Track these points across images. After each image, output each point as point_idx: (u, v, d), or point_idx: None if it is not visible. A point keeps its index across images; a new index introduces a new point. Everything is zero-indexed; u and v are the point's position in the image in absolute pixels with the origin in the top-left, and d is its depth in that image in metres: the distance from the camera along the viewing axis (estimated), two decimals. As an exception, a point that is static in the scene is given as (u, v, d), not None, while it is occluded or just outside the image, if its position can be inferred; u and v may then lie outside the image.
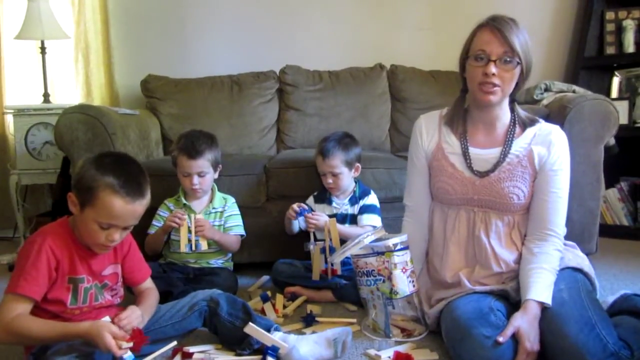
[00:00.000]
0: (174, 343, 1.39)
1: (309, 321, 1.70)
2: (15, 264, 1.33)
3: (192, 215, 1.95)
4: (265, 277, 2.20)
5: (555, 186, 1.50)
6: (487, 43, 1.44)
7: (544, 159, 1.51)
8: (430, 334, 1.58)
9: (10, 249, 2.84)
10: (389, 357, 1.43)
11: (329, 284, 1.92)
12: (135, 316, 1.30)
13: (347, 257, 1.72)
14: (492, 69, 1.43)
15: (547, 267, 1.43)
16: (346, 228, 2.02)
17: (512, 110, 1.58)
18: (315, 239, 1.97)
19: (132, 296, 1.54)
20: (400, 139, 2.91)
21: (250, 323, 1.40)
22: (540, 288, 1.38)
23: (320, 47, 3.23)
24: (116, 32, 3.15)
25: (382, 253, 1.55)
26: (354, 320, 1.72)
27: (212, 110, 2.88)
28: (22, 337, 1.25)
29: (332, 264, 1.91)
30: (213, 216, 2.05)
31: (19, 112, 2.78)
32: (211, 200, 2.07)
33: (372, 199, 2.09)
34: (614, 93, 3.07)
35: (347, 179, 2.06)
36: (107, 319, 1.26)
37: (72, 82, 3.12)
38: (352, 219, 2.07)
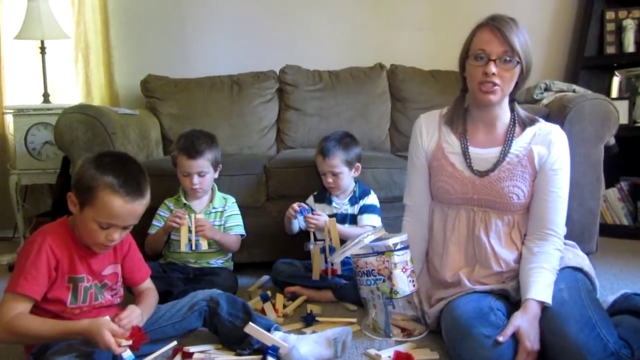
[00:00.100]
0: (174, 343, 1.39)
1: (309, 321, 1.70)
2: (15, 263, 1.33)
3: (193, 215, 1.95)
4: (265, 277, 2.20)
5: (555, 186, 1.50)
6: (487, 42, 1.44)
7: (544, 158, 1.51)
8: (431, 334, 1.58)
9: (10, 249, 2.84)
10: (389, 356, 1.43)
11: (329, 284, 1.92)
12: (135, 315, 1.31)
13: (347, 257, 1.72)
14: (492, 68, 1.43)
15: (547, 266, 1.43)
16: (346, 228, 2.02)
17: (512, 109, 1.58)
18: (315, 239, 1.97)
19: (132, 296, 1.54)
20: (400, 139, 2.91)
21: (251, 323, 1.40)
22: (541, 287, 1.38)
23: (320, 47, 3.23)
24: (116, 32, 3.16)
25: (382, 253, 1.55)
26: (354, 320, 1.72)
27: (212, 110, 2.88)
28: (21, 336, 1.25)
29: (332, 264, 1.91)
30: (213, 216, 2.05)
31: (19, 112, 2.78)
32: (211, 200, 2.07)
33: (372, 199, 2.09)
34: (614, 93, 3.07)
35: (347, 178, 2.06)
36: (107, 318, 1.26)
37: (72, 82, 3.12)
38: (352, 219, 2.07)
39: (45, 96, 2.89)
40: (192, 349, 1.49)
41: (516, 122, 1.57)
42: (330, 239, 1.90)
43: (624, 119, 2.81)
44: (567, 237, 1.56)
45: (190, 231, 1.92)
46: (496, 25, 1.44)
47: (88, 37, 3.07)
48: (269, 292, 1.83)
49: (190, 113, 2.87)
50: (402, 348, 1.48)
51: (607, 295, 1.65)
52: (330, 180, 2.04)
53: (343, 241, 1.83)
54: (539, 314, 1.35)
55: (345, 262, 1.92)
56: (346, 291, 1.87)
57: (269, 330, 1.45)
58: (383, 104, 2.95)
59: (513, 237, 1.53)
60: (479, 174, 1.55)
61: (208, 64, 3.18)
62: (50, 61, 2.96)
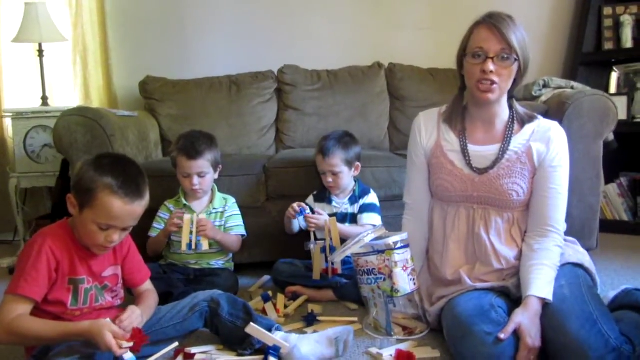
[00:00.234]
0: (176, 344, 1.39)
1: (310, 320, 1.70)
2: (16, 265, 1.33)
3: (194, 215, 1.96)
4: (266, 277, 2.20)
5: (554, 182, 1.50)
6: (484, 40, 1.44)
7: (543, 155, 1.51)
8: (432, 332, 1.58)
9: (10, 253, 2.84)
10: (391, 355, 1.43)
11: (330, 283, 1.92)
12: (136, 316, 1.31)
13: (347, 256, 1.72)
14: (490, 66, 1.43)
15: (548, 263, 1.43)
16: (346, 227, 2.02)
17: (511, 107, 1.58)
18: (316, 239, 1.97)
19: (132, 297, 1.54)
20: (399, 138, 2.91)
21: (252, 323, 1.40)
22: (541, 284, 1.38)
23: (318, 46, 3.23)
24: (114, 34, 3.15)
25: (383, 251, 1.55)
26: (355, 319, 1.72)
27: (211, 111, 2.88)
28: (22, 338, 1.25)
29: (332, 263, 1.91)
30: (214, 216, 2.05)
31: (18, 115, 2.77)
32: (211, 201, 2.07)
33: (372, 198, 2.09)
34: (613, 89, 3.07)
35: (347, 178, 2.06)
36: (107, 320, 1.26)
37: (70, 84, 3.11)
38: (352, 218, 2.07)
39: (44, 99, 2.89)
40: (193, 349, 1.49)
41: (515, 119, 1.57)
42: (331, 239, 1.90)
43: (622, 115, 2.81)
44: (567, 233, 1.56)
45: (191, 232, 1.92)
46: (494, 22, 1.44)
47: (86, 39, 3.07)
48: (269, 292, 1.84)
49: (189, 114, 2.87)
50: (403, 347, 1.49)
51: (608, 291, 1.65)
52: (330, 179, 2.03)
53: (343, 240, 1.83)
54: (540, 310, 1.35)
55: (345, 262, 1.92)
56: (347, 290, 1.87)
57: (270, 330, 1.45)
58: (382, 103, 2.95)
59: (513, 235, 1.53)
60: (478, 172, 1.55)
61: (206, 65, 3.18)
62: (49, 64, 2.96)
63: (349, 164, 2.04)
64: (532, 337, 1.30)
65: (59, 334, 1.24)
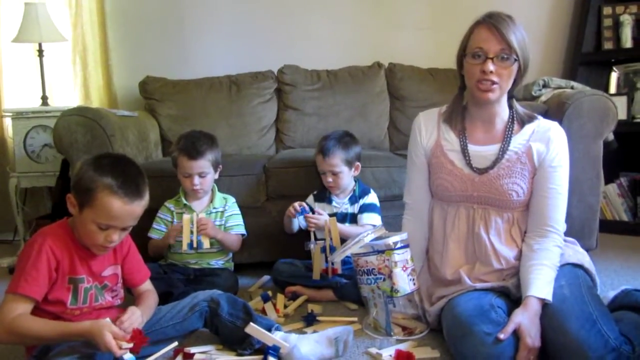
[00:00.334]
0: (175, 344, 1.40)
1: (309, 320, 1.70)
2: (16, 265, 1.33)
3: (194, 214, 1.96)
4: (266, 277, 2.20)
5: (554, 182, 1.50)
6: (484, 40, 1.44)
7: (543, 155, 1.51)
8: (432, 332, 1.58)
9: (10, 252, 2.84)
10: (390, 355, 1.43)
11: (330, 283, 1.92)
12: (136, 317, 1.31)
13: (347, 256, 1.72)
14: (490, 66, 1.43)
15: (548, 263, 1.43)
16: (346, 227, 2.02)
17: (511, 106, 1.58)
18: (316, 238, 1.98)
19: (132, 297, 1.54)
20: (399, 137, 2.91)
21: (251, 323, 1.40)
22: (541, 284, 1.38)
23: (318, 46, 3.23)
24: (114, 34, 3.15)
25: (383, 251, 1.55)
26: (355, 319, 1.72)
27: (211, 111, 2.88)
28: (23, 337, 1.25)
29: (332, 263, 1.91)
30: (214, 216, 2.05)
31: (18, 115, 2.77)
32: (212, 200, 2.07)
33: (372, 198, 2.09)
34: (612, 88, 3.07)
35: (347, 177, 2.06)
36: (107, 320, 1.26)
37: (70, 84, 3.11)
38: (352, 218, 2.07)
39: (44, 99, 2.89)
40: (193, 349, 1.49)
41: (515, 119, 1.57)
42: (331, 239, 1.91)
43: (622, 115, 2.80)
44: (566, 233, 1.56)
45: (191, 232, 1.92)
46: (493, 23, 1.44)
47: (86, 39, 3.07)
48: (269, 292, 1.84)
49: (189, 114, 2.87)
50: (403, 347, 1.49)
51: (608, 291, 1.65)
52: (330, 179, 2.04)
53: (343, 240, 1.83)
54: (539, 310, 1.35)
55: (345, 261, 1.92)
56: (347, 290, 1.87)
57: (269, 330, 1.45)
58: (382, 103, 2.95)
59: (513, 235, 1.53)
60: (478, 172, 1.55)
61: (206, 65, 3.18)
62: (48, 64, 2.96)
63: (349, 163, 2.04)
64: (532, 337, 1.30)
65: (59, 334, 1.24)
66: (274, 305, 1.80)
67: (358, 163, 2.08)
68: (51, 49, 2.99)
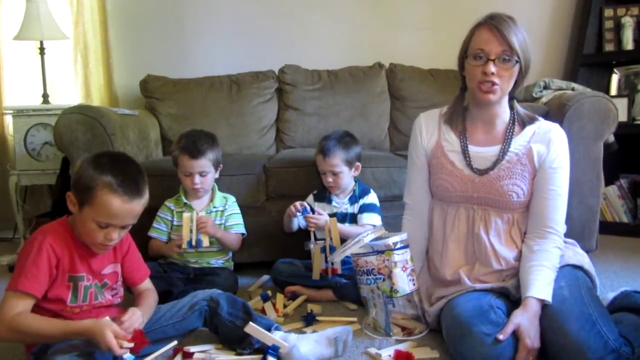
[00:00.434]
0: (175, 343, 1.39)
1: (309, 320, 1.70)
2: (16, 262, 1.33)
3: (194, 213, 1.96)
4: (266, 277, 2.20)
5: (554, 184, 1.50)
6: (485, 42, 1.44)
7: (543, 156, 1.51)
8: (431, 332, 1.58)
9: (10, 250, 2.84)
10: (390, 355, 1.43)
11: (330, 283, 1.92)
12: (136, 317, 1.31)
13: (347, 256, 1.72)
14: (491, 68, 1.43)
15: (547, 264, 1.43)
16: (346, 227, 2.02)
17: (512, 108, 1.58)
18: (316, 238, 1.98)
19: (132, 296, 1.54)
20: (400, 138, 2.90)
21: (251, 322, 1.40)
22: (541, 285, 1.38)
23: (319, 46, 3.23)
24: (115, 32, 3.15)
25: (382, 252, 1.55)
26: (355, 319, 1.72)
27: (211, 110, 2.88)
28: (23, 335, 1.25)
29: (332, 263, 1.91)
30: (214, 215, 2.05)
31: (18, 113, 2.78)
32: (212, 200, 2.07)
33: (372, 198, 2.09)
34: (613, 90, 3.07)
35: (347, 178, 2.06)
36: (107, 319, 1.26)
37: (71, 82, 3.12)
38: (352, 218, 2.07)
39: (45, 97, 2.89)
40: (192, 348, 1.49)
41: (515, 120, 1.57)
42: (331, 238, 1.90)
43: (623, 117, 2.81)
44: (566, 235, 1.56)
45: (191, 230, 1.92)
46: (495, 24, 1.44)
47: (87, 37, 3.07)
48: (269, 292, 1.84)
49: (189, 113, 2.87)
50: (402, 347, 1.49)
51: (607, 292, 1.65)
52: (330, 179, 2.04)
53: (343, 240, 1.83)
54: (539, 311, 1.35)
55: (345, 262, 1.92)
56: (346, 290, 1.87)
57: (269, 329, 1.45)
58: (382, 103, 2.95)
59: (513, 235, 1.54)
60: (478, 172, 1.55)
61: (207, 64, 3.18)
62: (50, 62, 2.96)
63: (349, 164, 2.04)
64: (531, 338, 1.30)
65: (60, 332, 1.24)
66: (274, 304, 1.80)
67: (358, 163, 2.08)
68: (52, 46, 2.99)
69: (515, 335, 1.31)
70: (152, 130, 2.77)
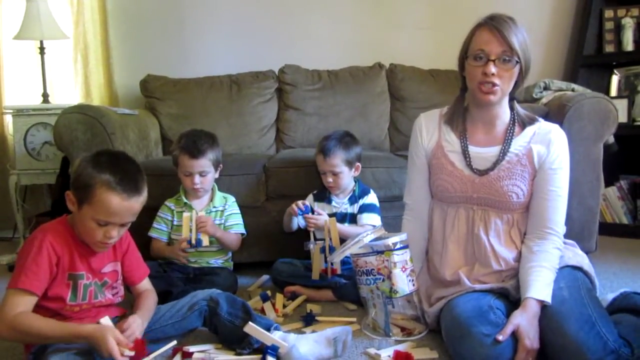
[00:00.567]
0: (174, 342, 1.39)
1: (308, 320, 1.70)
2: (16, 261, 1.33)
3: (193, 212, 1.96)
4: (265, 277, 2.20)
5: (554, 185, 1.50)
6: (486, 43, 1.44)
7: (544, 157, 1.51)
8: (430, 333, 1.58)
9: (9, 250, 2.84)
10: (389, 356, 1.43)
11: (329, 283, 1.92)
12: (137, 325, 1.31)
13: (346, 256, 1.72)
14: (492, 68, 1.43)
15: (547, 265, 1.43)
16: (346, 227, 2.02)
17: (512, 108, 1.58)
18: (315, 238, 1.97)
19: (132, 296, 1.54)
20: (400, 138, 2.91)
21: (250, 322, 1.40)
22: (540, 286, 1.38)
23: (319, 46, 3.23)
24: (115, 32, 3.15)
25: (382, 252, 1.55)
26: (354, 319, 1.72)
27: (212, 110, 2.88)
28: (24, 335, 1.25)
29: (331, 263, 1.91)
30: (214, 215, 2.05)
31: (18, 112, 2.78)
32: (212, 199, 2.07)
33: (372, 198, 2.09)
34: (613, 91, 3.07)
35: (347, 178, 2.06)
36: (106, 318, 1.26)
37: (71, 82, 3.12)
38: (352, 218, 2.07)
39: (45, 96, 2.89)
40: (191, 348, 1.49)
41: (516, 121, 1.57)
42: (330, 239, 1.90)
43: (623, 118, 2.81)
44: (566, 235, 1.56)
45: (190, 230, 1.92)
46: (495, 25, 1.44)
47: (87, 37, 3.07)
48: (268, 292, 1.84)
49: (189, 113, 2.87)
50: (401, 347, 1.48)
51: (607, 293, 1.65)
52: (330, 179, 2.04)
53: (343, 240, 1.83)
54: (538, 312, 1.35)
55: (345, 262, 1.92)
56: (346, 290, 1.87)
57: (268, 329, 1.45)
58: (382, 104, 2.95)
59: (512, 236, 1.54)
60: (478, 173, 1.55)
61: (207, 64, 3.18)
62: (50, 61, 2.96)
63: (350, 164, 2.04)
64: (531, 338, 1.30)
65: (62, 334, 1.24)
66: (273, 304, 1.80)
67: (358, 163, 2.08)
68: (52, 46, 2.99)
69: (515, 336, 1.31)
70: (152, 130, 2.77)
